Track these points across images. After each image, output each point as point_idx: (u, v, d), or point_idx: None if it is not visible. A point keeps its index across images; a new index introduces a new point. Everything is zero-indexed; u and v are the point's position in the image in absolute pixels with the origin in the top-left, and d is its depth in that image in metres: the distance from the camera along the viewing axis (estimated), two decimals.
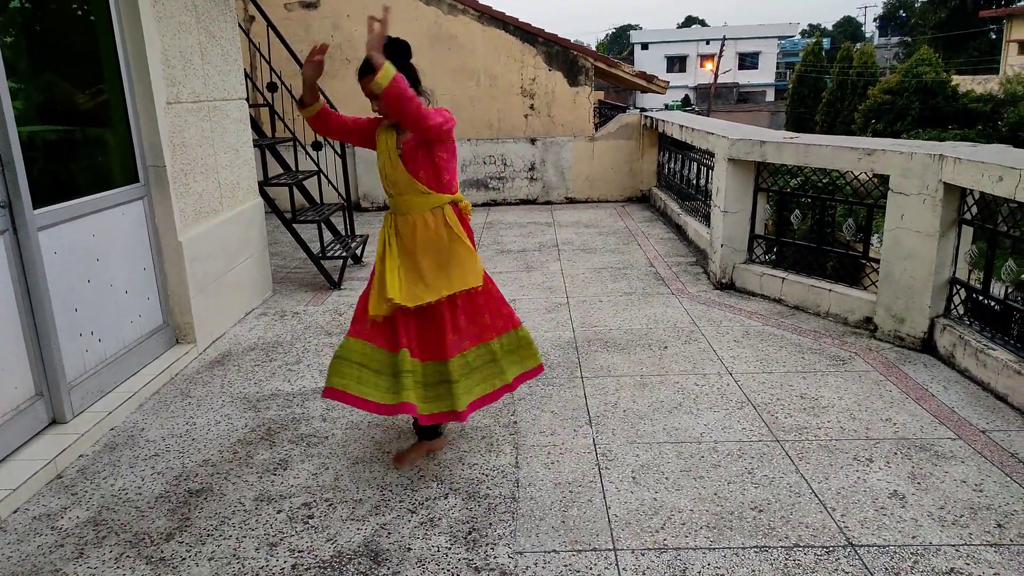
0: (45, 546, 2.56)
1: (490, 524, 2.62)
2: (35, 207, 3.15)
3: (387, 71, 2.58)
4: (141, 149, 3.98)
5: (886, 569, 2.33)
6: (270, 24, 5.97)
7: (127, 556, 2.49)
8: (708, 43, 48.94)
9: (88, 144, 3.84)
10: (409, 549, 2.50)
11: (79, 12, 3.76)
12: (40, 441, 3.16)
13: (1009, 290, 3.76)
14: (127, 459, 3.15)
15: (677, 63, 50.75)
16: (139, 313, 3.97)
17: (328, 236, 6.47)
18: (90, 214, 3.56)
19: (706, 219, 6.40)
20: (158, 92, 3.97)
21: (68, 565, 2.45)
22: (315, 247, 5.91)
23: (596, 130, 9.71)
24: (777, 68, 51.39)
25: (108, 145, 3.92)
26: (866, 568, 2.34)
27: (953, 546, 2.43)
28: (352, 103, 8.97)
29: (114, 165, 3.91)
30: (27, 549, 2.54)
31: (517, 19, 9.54)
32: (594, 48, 47.93)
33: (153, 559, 2.47)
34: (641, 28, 65.64)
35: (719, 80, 43.19)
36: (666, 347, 4.27)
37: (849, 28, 68.05)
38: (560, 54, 9.58)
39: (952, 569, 2.32)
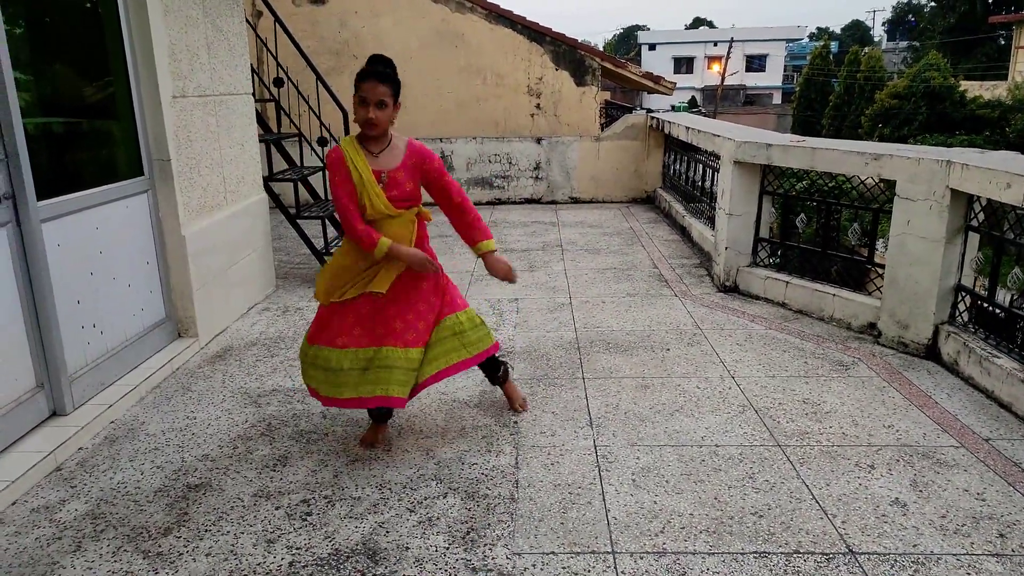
0: (43, 538, 2.56)
1: (489, 524, 2.61)
2: (39, 199, 3.15)
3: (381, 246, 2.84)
4: (146, 142, 3.98)
5: None
6: (277, 20, 5.96)
7: (124, 550, 2.49)
8: (716, 45, 48.87)
9: (93, 137, 3.83)
10: (407, 548, 2.49)
11: (87, 4, 3.76)
12: (40, 433, 3.16)
13: (1015, 298, 3.73)
14: (127, 452, 3.14)
15: (684, 64, 50.70)
16: (141, 306, 3.96)
17: (332, 232, 6.47)
18: (94, 207, 3.55)
19: (711, 221, 6.38)
20: (164, 86, 3.96)
21: (65, 558, 2.45)
22: (319, 243, 5.91)
23: (602, 130, 9.69)
24: (784, 71, 51.29)
25: (113, 138, 3.91)
26: None
27: (954, 555, 2.41)
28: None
29: (119, 158, 3.91)
30: (24, 541, 2.54)
31: (525, 18, 9.52)
32: (601, 48, 47.86)
33: (150, 553, 2.47)
34: (649, 29, 65.48)
35: (726, 82, 43.08)
36: (668, 349, 4.25)
37: (857, 32, 67.85)
38: (567, 53, 9.56)
39: None
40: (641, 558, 2.42)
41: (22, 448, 3.04)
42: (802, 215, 5.13)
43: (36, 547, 2.51)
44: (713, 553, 2.44)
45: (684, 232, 7.25)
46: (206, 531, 2.59)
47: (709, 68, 49.00)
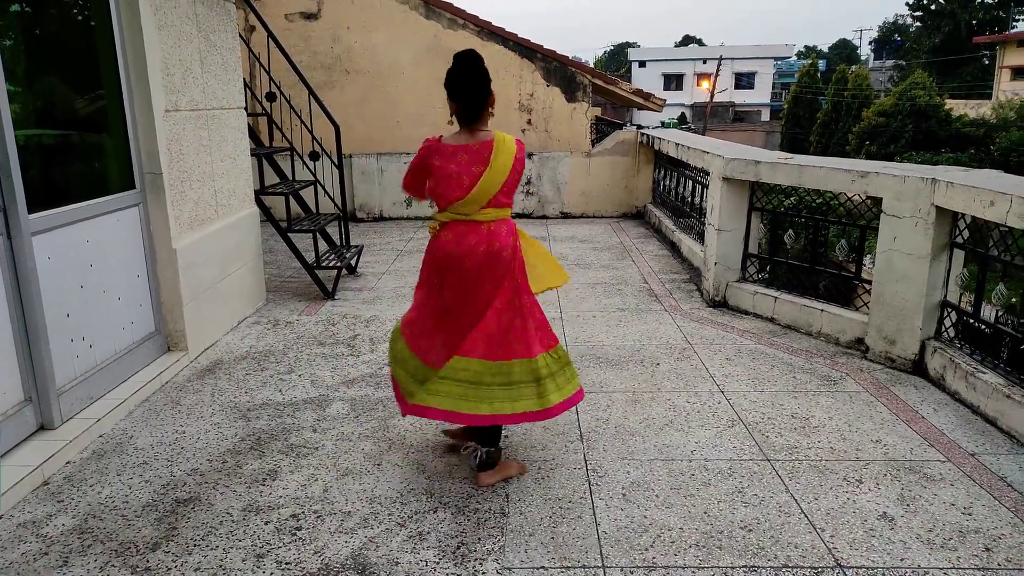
0: (29, 554, 2.53)
1: (479, 539, 2.61)
2: (30, 212, 3.15)
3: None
4: (138, 156, 3.99)
5: None
6: (270, 34, 6.00)
7: (112, 565, 2.47)
8: (705, 62, 49.33)
9: (85, 150, 3.83)
10: (397, 563, 2.48)
11: (79, 18, 3.77)
12: (27, 447, 3.14)
13: (999, 314, 3.78)
14: (115, 467, 3.12)
15: (674, 81, 51.12)
16: (131, 320, 3.95)
17: (323, 246, 6.47)
18: (85, 220, 3.55)
19: (700, 237, 6.43)
20: (157, 100, 3.97)
21: (52, 573, 2.43)
22: (310, 257, 5.91)
23: (593, 146, 9.76)
24: (773, 88, 51.81)
25: (105, 151, 3.92)
26: None
27: (941, 569, 2.43)
28: (349, 111, 9.05)
29: (110, 171, 3.91)
30: (11, 556, 2.52)
31: (516, 35, 9.59)
32: (592, 65, 48.17)
33: (139, 569, 2.45)
34: (639, 46, 66.10)
35: (715, 99, 43.49)
36: (658, 364, 4.27)
37: (844, 50, 68.72)
38: (558, 70, 9.64)
39: None
40: (631, 572, 2.43)
41: (9, 462, 3.01)
42: (790, 231, 5.19)
43: (23, 563, 2.49)
44: (703, 567, 2.45)
45: (674, 247, 7.29)
46: (195, 546, 2.57)
47: (698, 85, 49.42)
